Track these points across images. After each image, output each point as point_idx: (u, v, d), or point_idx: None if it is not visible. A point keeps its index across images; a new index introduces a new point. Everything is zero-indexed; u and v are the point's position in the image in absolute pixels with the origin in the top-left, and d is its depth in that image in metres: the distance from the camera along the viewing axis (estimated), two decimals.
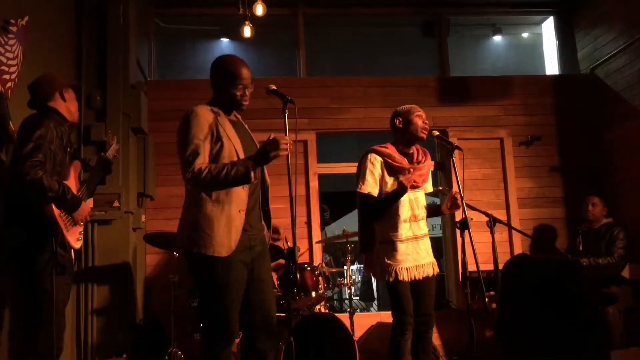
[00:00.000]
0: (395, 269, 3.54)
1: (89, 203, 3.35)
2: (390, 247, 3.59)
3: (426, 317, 3.63)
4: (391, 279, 3.54)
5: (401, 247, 3.57)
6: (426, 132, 3.69)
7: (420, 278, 3.59)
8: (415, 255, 3.60)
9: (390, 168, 3.65)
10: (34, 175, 2.80)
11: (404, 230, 3.59)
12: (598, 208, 5.54)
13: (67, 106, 3.27)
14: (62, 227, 2.94)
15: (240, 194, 2.83)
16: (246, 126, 3.12)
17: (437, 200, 6.77)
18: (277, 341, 3.07)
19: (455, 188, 3.66)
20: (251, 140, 3.05)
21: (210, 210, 2.79)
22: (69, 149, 3.19)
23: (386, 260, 3.58)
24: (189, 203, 2.90)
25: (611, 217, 5.56)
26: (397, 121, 3.72)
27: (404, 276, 3.53)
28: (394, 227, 3.59)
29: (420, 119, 3.67)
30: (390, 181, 3.63)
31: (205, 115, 2.85)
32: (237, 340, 3.14)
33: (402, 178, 3.48)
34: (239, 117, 3.11)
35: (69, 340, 4.59)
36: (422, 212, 3.69)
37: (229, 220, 2.79)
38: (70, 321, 4.62)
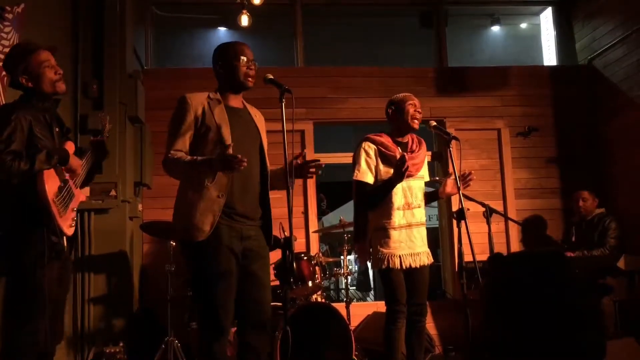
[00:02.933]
0: (388, 257, 3.55)
1: (84, 191, 3.31)
2: (383, 234, 3.60)
3: (419, 306, 3.64)
4: (383, 267, 3.56)
5: (394, 234, 3.58)
6: (419, 121, 3.70)
7: (417, 266, 3.59)
8: (409, 243, 3.60)
9: (383, 157, 3.66)
10: (6, 170, 2.73)
11: (398, 217, 3.60)
12: (589, 202, 5.55)
13: (36, 86, 2.95)
14: (55, 213, 2.82)
15: (222, 179, 2.82)
16: (256, 116, 3.10)
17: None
18: (269, 337, 3.07)
19: (451, 176, 3.66)
20: (252, 129, 3.03)
21: (190, 197, 2.83)
22: (56, 129, 3.04)
23: (379, 247, 3.59)
24: (178, 191, 2.96)
25: (604, 207, 5.57)
26: (390, 110, 3.73)
27: (396, 264, 3.54)
28: (388, 214, 3.60)
29: (413, 107, 3.68)
30: (384, 169, 3.64)
31: (193, 101, 2.89)
32: (234, 329, 3.14)
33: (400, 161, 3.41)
34: (248, 106, 3.10)
35: (65, 329, 4.59)
36: (417, 201, 3.68)
37: (206, 204, 2.80)
38: (66, 309, 4.62)
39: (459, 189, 3.46)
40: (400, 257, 3.56)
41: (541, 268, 1.39)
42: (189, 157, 2.80)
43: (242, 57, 2.93)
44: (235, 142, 2.87)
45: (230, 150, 2.74)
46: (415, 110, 3.68)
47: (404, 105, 3.68)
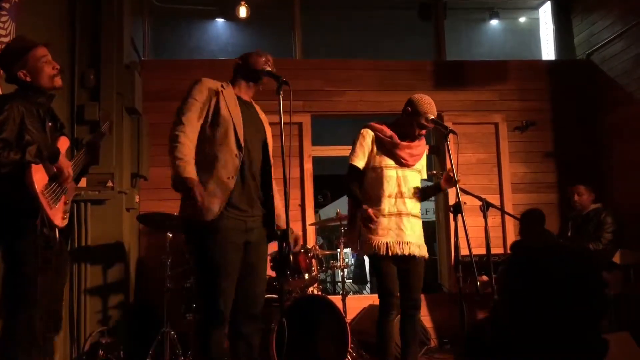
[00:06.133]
0: (376, 243, 3.55)
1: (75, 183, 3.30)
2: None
3: (414, 300, 3.64)
4: (371, 253, 3.57)
5: (383, 221, 3.57)
6: (423, 134, 3.73)
7: (405, 254, 3.56)
8: (397, 231, 3.58)
9: (380, 143, 3.68)
10: None
11: (388, 205, 3.60)
12: (584, 196, 5.53)
13: (33, 82, 2.96)
14: (44, 205, 2.83)
15: (233, 161, 2.89)
16: (261, 114, 3.19)
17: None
18: (260, 325, 3.11)
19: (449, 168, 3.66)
20: (257, 123, 3.11)
21: (200, 176, 2.85)
22: (49, 124, 3.04)
23: (367, 234, 3.60)
24: None
25: (600, 202, 5.56)
26: (409, 110, 3.69)
27: (383, 250, 3.53)
28: (377, 201, 3.60)
29: (423, 130, 3.69)
30: (378, 157, 3.66)
31: (209, 83, 2.99)
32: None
33: (369, 212, 3.51)
34: (253, 102, 3.18)
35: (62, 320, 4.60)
36: (410, 191, 3.66)
37: (216, 185, 2.86)
38: (63, 300, 4.62)
39: (456, 183, 3.46)
40: (387, 244, 3.55)
41: (570, 262, 1.37)
42: (181, 161, 2.80)
43: (264, 56, 3.07)
44: (244, 128, 2.95)
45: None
46: (420, 132, 3.69)
47: (417, 122, 3.65)
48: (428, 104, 3.64)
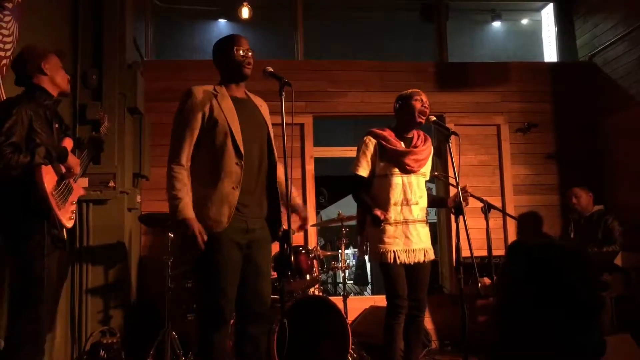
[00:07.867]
0: (382, 252, 3.56)
1: (81, 182, 3.35)
2: (378, 229, 3.62)
3: (418, 301, 3.65)
4: (378, 261, 3.59)
5: (389, 229, 3.59)
6: (424, 117, 3.69)
7: (411, 263, 3.60)
8: (404, 239, 3.60)
9: (384, 151, 3.67)
10: (6, 161, 2.76)
11: (394, 213, 3.61)
12: (582, 199, 5.48)
13: (51, 78, 3.10)
14: (54, 205, 2.89)
15: (235, 171, 2.82)
16: (261, 105, 3.10)
17: (432, 186, 6.78)
18: (269, 326, 3.08)
19: (450, 172, 3.67)
20: (258, 119, 3.03)
21: (203, 187, 2.82)
22: (56, 125, 3.10)
23: (374, 242, 3.61)
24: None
25: (603, 204, 5.54)
26: (397, 105, 3.76)
27: (390, 259, 3.55)
28: (384, 209, 3.61)
29: (419, 103, 3.68)
30: (382, 164, 3.66)
31: (199, 95, 2.86)
32: (232, 321, 3.15)
33: (376, 212, 3.55)
34: (251, 95, 3.10)
35: (62, 319, 4.60)
36: (416, 197, 3.68)
37: (221, 196, 2.79)
38: (64, 300, 4.62)
39: (457, 184, 3.47)
40: (394, 252, 3.56)
41: (564, 260, 1.37)
42: (179, 197, 2.74)
43: (236, 47, 2.94)
44: (243, 132, 2.87)
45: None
46: (422, 106, 3.69)
47: (410, 101, 3.69)
48: (412, 89, 3.76)
